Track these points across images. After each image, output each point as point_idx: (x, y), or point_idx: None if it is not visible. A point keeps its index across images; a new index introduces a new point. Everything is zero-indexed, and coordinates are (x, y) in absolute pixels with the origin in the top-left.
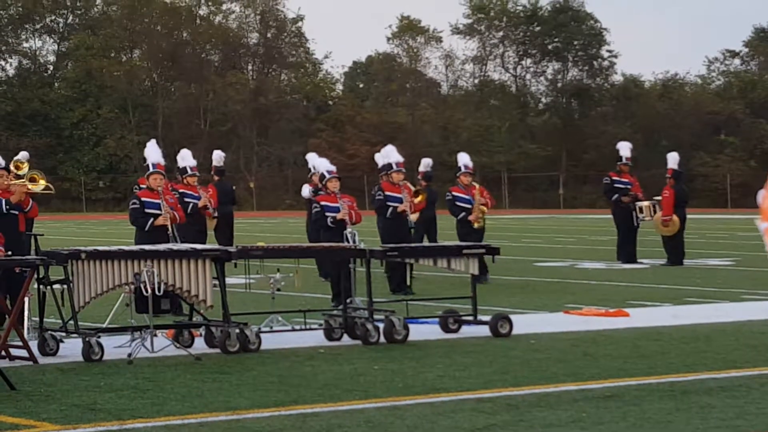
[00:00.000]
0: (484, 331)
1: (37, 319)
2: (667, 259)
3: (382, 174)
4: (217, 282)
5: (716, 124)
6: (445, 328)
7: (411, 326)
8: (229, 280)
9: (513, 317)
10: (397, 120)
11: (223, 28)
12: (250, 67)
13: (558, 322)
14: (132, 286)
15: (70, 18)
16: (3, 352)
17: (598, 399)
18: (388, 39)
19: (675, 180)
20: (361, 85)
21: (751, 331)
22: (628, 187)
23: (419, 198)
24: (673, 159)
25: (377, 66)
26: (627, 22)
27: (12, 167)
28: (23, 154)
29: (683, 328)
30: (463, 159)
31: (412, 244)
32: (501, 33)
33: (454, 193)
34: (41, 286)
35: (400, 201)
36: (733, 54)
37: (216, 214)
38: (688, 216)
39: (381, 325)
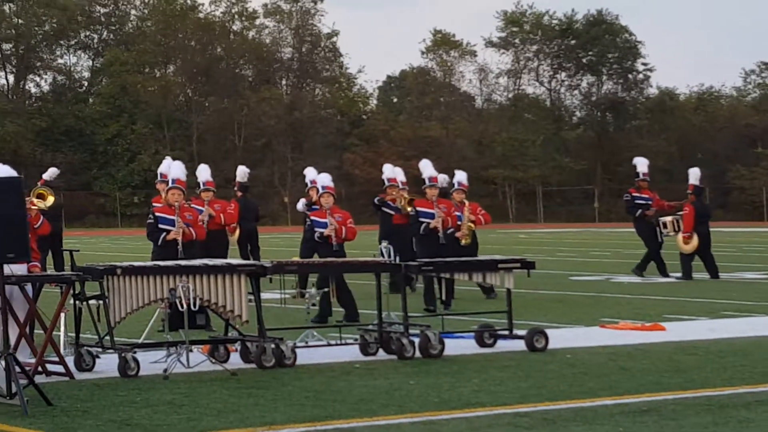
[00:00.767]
0: (520, 345)
1: (74, 334)
2: (681, 274)
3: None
4: (252, 297)
5: (752, 137)
6: (481, 343)
7: (446, 341)
8: (264, 295)
9: (549, 331)
10: (431, 134)
11: (257, 43)
12: (284, 82)
13: (594, 337)
14: (167, 302)
15: (105, 34)
16: (40, 368)
17: (635, 413)
18: (422, 53)
19: (696, 196)
20: (395, 100)
21: None
22: (649, 202)
23: (411, 207)
24: (694, 175)
25: (411, 80)
26: (662, 34)
27: (33, 197)
28: (52, 171)
29: (720, 342)
30: (459, 176)
31: (447, 259)
32: (535, 46)
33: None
34: (77, 302)
35: (432, 217)
36: None
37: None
38: (719, 229)
39: (416, 340)
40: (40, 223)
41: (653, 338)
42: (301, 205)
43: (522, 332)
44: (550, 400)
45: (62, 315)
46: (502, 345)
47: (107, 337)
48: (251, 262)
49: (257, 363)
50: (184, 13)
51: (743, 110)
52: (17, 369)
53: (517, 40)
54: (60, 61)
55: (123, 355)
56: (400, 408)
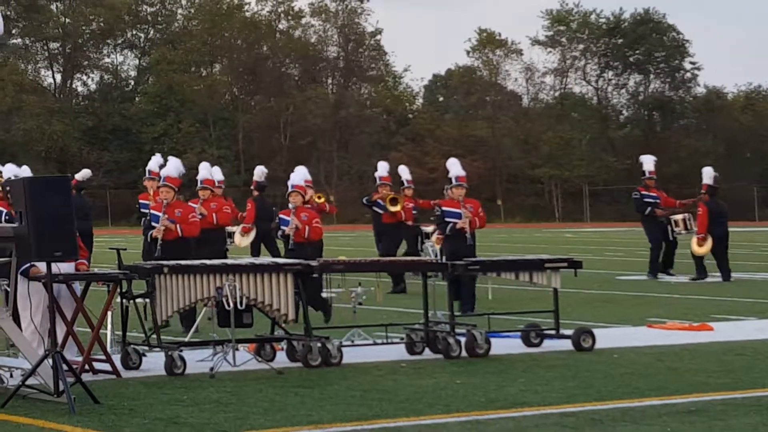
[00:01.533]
0: (567, 345)
1: (120, 333)
2: (696, 274)
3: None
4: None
5: None
6: (527, 342)
7: (493, 340)
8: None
9: (596, 331)
10: (477, 133)
11: (303, 42)
12: (330, 81)
13: (641, 336)
14: (214, 300)
15: (151, 33)
16: (87, 366)
17: (682, 414)
18: (468, 52)
19: (710, 196)
20: (441, 99)
21: None
22: (657, 201)
23: (397, 207)
24: (707, 174)
25: (457, 79)
26: (710, 33)
27: None
28: (85, 172)
29: None
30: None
31: (494, 258)
32: (582, 45)
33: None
34: (124, 300)
35: (459, 217)
36: None
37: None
38: (762, 229)
39: (463, 339)
40: None
41: (701, 338)
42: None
43: (569, 332)
44: (597, 400)
45: (109, 313)
46: (549, 344)
47: (154, 336)
48: (298, 261)
49: (303, 362)
50: (231, 12)
51: None
52: (65, 367)
53: (563, 39)
54: (107, 60)
55: (170, 353)
56: (447, 407)
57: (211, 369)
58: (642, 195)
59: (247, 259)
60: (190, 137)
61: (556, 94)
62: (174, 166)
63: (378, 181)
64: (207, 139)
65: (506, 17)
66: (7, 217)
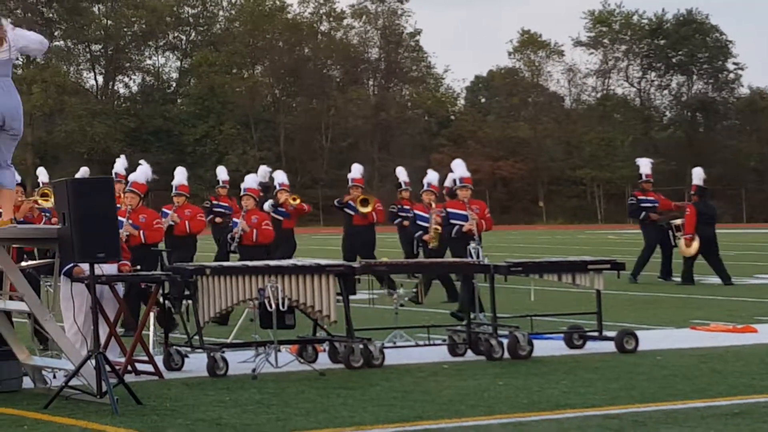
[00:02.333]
0: (610, 347)
1: (162, 334)
2: (681, 277)
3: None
4: (340, 297)
5: None
6: (570, 344)
7: (535, 342)
8: (352, 296)
9: (639, 333)
10: (519, 134)
11: (344, 44)
12: (371, 83)
13: (684, 338)
14: (256, 302)
15: (193, 35)
16: (129, 367)
17: (726, 416)
18: (510, 53)
19: (699, 197)
20: (483, 100)
21: None
22: (655, 204)
23: (368, 208)
24: (697, 175)
25: (499, 80)
26: (753, 34)
27: (38, 196)
28: (84, 170)
29: None
30: (430, 177)
31: (538, 260)
32: (625, 46)
33: (415, 212)
34: (166, 302)
35: (464, 219)
36: None
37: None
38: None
39: (505, 341)
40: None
41: (745, 340)
42: (267, 205)
43: (612, 333)
44: (641, 402)
45: (151, 315)
46: (592, 346)
47: (196, 337)
48: (340, 262)
49: (345, 363)
50: (273, 13)
51: None
52: (107, 368)
53: (606, 40)
54: (148, 61)
55: (212, 354)
56: (489, 409)
57: (254, 370)
58: (639, 199)
59: (290, 261)
60: (232, 139)
61: (599, 95)
62: (142, 172)
63: (350, 183)
64: (248, 141)
65: (548, 18)
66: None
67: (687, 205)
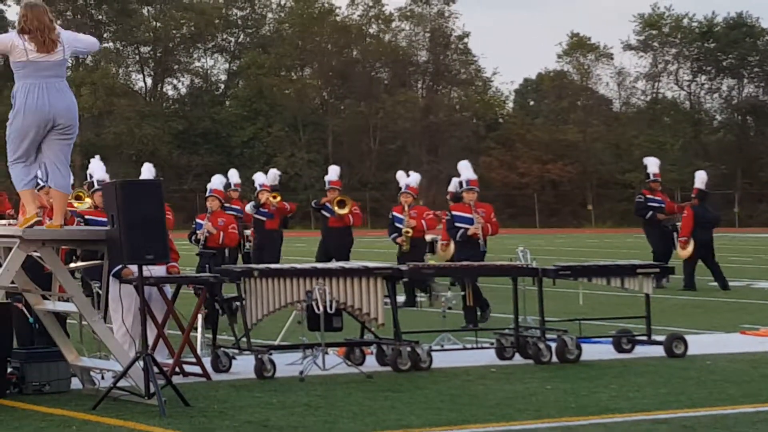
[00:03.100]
0: (659, 351)
1: (210, 336)
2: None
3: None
4: (388, 300)
5: None
6: (619, 348)
7: (584, 346)
8: (400, 299)
9: (688, 337)
10: (568, 137)
11: (393, 46)
12: (419, 85)
13: (734, 343)
14: (304, 304)
15: (241, 37)
16: (177, 368)
17: None
18: (559, 56)
19: (699, 200)
20: (531, 103)
21: None
22: (662, 205)
23: (345, 209)
24: (699, 178)
25: (548, 83)
26: None
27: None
28: (147, 167)
29: None
30: (408, 179)
31: (585, 263)
32: (674, 49)
33: (393, 213)
34: (215, 304)
35: (470, 222)
36: None
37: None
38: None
39: (553, 345)
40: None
41: None
42: (249, 207)
43: (661, 338)
44: (689, 407)
45: (199, 316)
46: (641, 350)
47: (244, 339)
48: (388, 265)
49: (393, 366)
50: (322, 16)
51: None
52: (155, 369)
53: (655, 43)
54: (197, 64)
55: (259, 356)
56: (537, 413)
57: (301, 372)
58: (646, 198)
59: (337, 263)
60: (280, 141)
61: (648, 98)
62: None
63: (327, 185)
64: (296, 143)
65: (597, 21)
66: (79, 219)
67: (686, 207)
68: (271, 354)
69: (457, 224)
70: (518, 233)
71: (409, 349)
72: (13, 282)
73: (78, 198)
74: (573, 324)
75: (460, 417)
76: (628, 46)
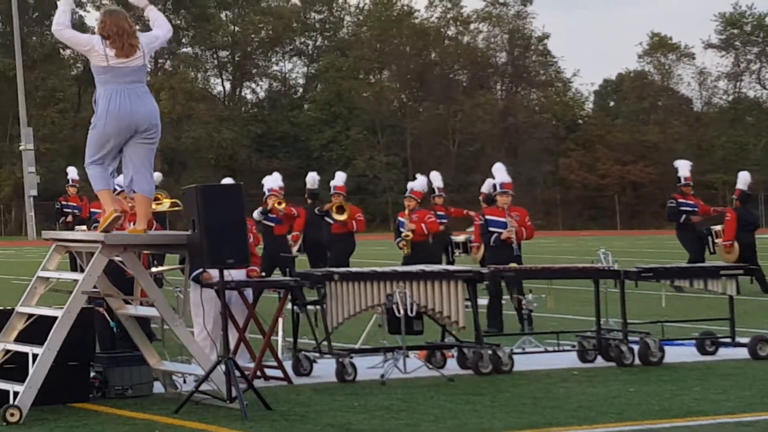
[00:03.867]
0: (743, 353)
1: (291, 339)
2: None
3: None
4: (469, 303)
5: None
6: (702, 350)
7: (666, 348)
8: (481, 301)
9: None
10: (649, 138)
11: (471, 48)
12: (498, 87)
13: None
14: (384, 307)
15: (319, 40)
16: (258, 372)
17: None
18: (639, 56)
19: (741, 202)
20: (611, 104)
21: None
22: (695, 209)
23: (343, 216)
24: (742, 179)
25: (628, 84)
26: None
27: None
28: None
29: None
30: (415, 183)
31: (668, 265)
32: (757, 48)
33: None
34: (295, 307)
35: (503, 226)
36: None
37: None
38: None
39: (636, 347)
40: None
41: None
42: (257, 213)
43: (745, 340)
44: None
45: (280, 320)
46: (724, 353)
47: (325, 343)
48: (468, 267)
49: (474, 369)
50: (401, 19)
51: None
52: (237, 373)
53: (737, 42)
54: (275, 67)
55: (340, 360)
56: (620, 416)
57: (382, 376)
58: (678, 203)
59: (418, 267)
60: (359, 144)
61: (730, 98)
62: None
63: (332, 190)
64: (375, 146)
65: (678, 20)
66: (76, 211)
67: (728, 210)
68: (352, 357)
69: (491, 229)
70: (599, 235)
71: (490, 352)
72: (95, 287)
73: (156, 200)
74: (655, 326)
75: (541, 420)
76: (709, 45)
